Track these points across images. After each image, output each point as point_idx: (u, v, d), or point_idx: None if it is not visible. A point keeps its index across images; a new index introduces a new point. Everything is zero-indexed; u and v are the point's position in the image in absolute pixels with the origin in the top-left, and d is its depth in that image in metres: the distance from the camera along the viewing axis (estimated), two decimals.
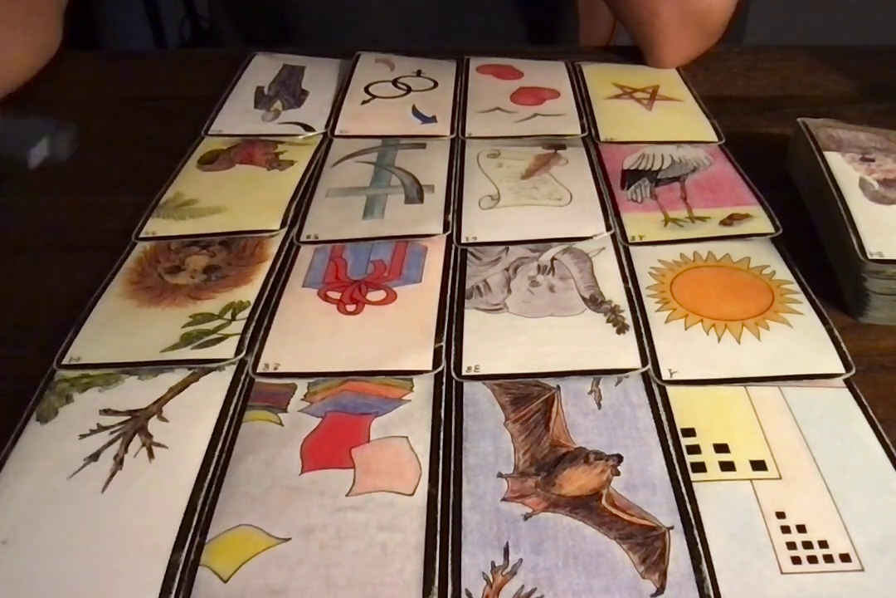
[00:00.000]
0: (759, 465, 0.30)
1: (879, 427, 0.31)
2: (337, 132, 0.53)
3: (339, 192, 0.47)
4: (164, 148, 0.52)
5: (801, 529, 0.28)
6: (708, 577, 0.26)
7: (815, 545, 0.27)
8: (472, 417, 0.32)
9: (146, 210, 0.46)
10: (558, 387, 0.34)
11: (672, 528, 0.28)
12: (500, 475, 0.30)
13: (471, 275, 0.40)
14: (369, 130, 0.53)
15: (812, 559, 0.27)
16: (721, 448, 0.31)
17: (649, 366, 0.34)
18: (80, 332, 0.37)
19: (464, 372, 0.34)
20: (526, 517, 0.29)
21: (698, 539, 0.28)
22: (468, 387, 0.34)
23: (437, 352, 0.35)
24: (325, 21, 0.74)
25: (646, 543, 0.27)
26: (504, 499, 0.29)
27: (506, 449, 0.31)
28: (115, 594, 0.27)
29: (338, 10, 0.73)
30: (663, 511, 0.28)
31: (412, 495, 0.29)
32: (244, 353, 0.36)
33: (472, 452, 0.31)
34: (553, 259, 0.41)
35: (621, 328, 0.36)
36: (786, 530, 0.28)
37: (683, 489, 0.29)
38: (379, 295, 0.39)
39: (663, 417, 0.32)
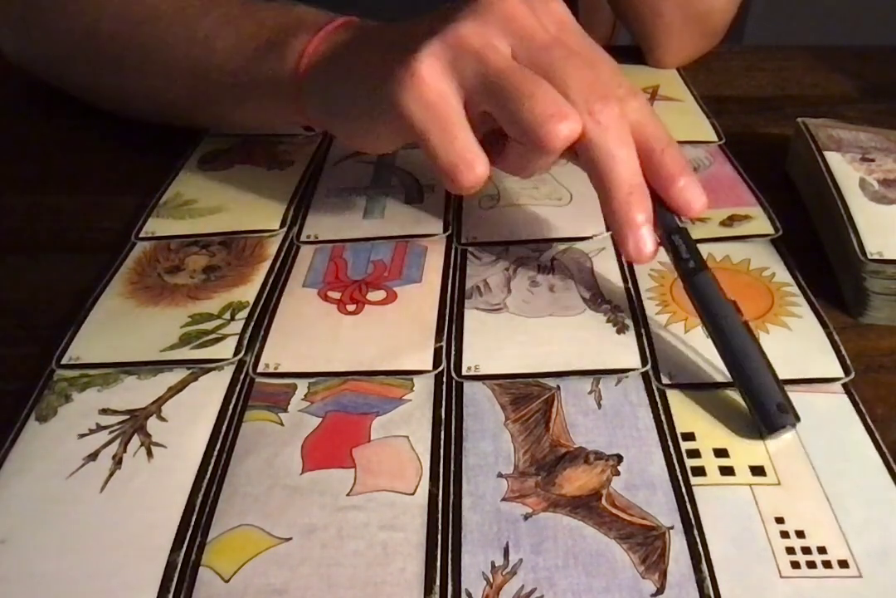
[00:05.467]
0: (758, 470, 0.30)
1: (877, 435, 0.31)
2: None
3: (339, 192, 0.47)
4: (164, 148, 0.52)
5: (800, 534, 0.28)
6: (708, 577, 0.26)
7: (814, 551, 0.27)
8: (472, 417, 0.32)
9: (146, 210, 0.46)
10: (558, 387, 0.34)
11: (672, 528, 0.28)
12: (500, 475, 0.30)
13: (471, 275, 0.40)
14: None
15: (811, 565, 0.27)
16: (721, 453, 0.31)
17: (649, 366, 0.34)
18: (80, 332, 0.37)
19: (464, 372, 0.34)
20: (526, 517, 0.29)
21: (698, 539, 0.28)
22: (468, 387, 0.34)
23: (437, 352, 0.35)
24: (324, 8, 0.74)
25: (646, 543, 0.27)
26: (504, 499, 0.29)
27: (506, 449, 0.31)
28: (113, 593, 0.27)
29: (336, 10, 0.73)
30: (663, 511, 0.28)
31: (413, 494, 0.29)
32: (243, 353, 0.36)
33: (472, 452, 0.31)
34: (553, 259, 0.41)
35: (621, 328, 0.36)
36: (785, 535, 0.28)
37: (683, 490, 0.29)
38: (379, 295, 0.39)
39: (663, 418, 0.32)
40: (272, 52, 0.42)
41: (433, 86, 0.33)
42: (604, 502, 0.29)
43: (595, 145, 0.33)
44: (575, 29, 0.36)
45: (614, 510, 0.29)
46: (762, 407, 0.30)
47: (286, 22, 0.43)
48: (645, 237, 0.34)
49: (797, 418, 0.30)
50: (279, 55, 0.41)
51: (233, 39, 0.44)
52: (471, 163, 0.33)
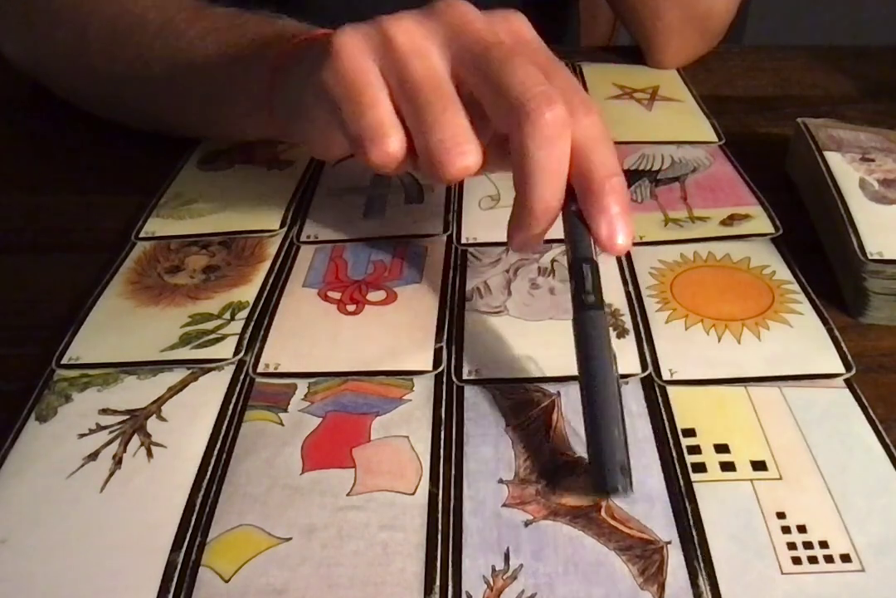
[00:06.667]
0: (759, 465, 0.30)
1: (879, 427, 0.31)
2: None
3: (339, 192, 0.47)
4: (164, 148, 0.52)
5: (802, 529, 0.28)
6: (705, 591, 0.26)
7: (816, 546, 0.27)
8: (472, 421, 0.32)
9: (146, 210, 0.46)
10: (559, 393, 0.33)
11: (670, 542, 0.28)
12: (500, 481, 0.30)
13: (471, 276, 0.40)
14: None
15: (812, 560, 0.27)
16: (721, 448, 0.31)
17: (650, 370, 0.34)
18: (80, 332, 0.37)
19: (464, 376, 0.34)
20: (526, 524, 0.28)
21: (697, 553, 0.27)
22: (469, 391, 0.34)
23: (437, 352, 0.35)
24: (321, 21, 0.74)
25: (644, 555, 0.27)
26: (505, 505, 0.29)
27: (506, 455, 0.31)
28: (113, 593, 0.27)
29: (336, 11, 0.73)
30: (661, 524, 0.28)
31: (413, 494, 0.29)
32: (243, 353, 0.36)
33: (473, 457, 0.31)
34: (553, 261, 0.41)
35: (621, 332, 0.36)
36: (786, 530, 0.28)
37: (683, 500, 0.29)
38: (379, 295, 0.39)
39: (664, 418, 0.32)
40: (251, 63, 0.42)
41: (351, 59, 0.31)
42: (603, 513, 0.29)
43: (522, 150, 0.30)
44: (532, 39, 0.33)
45: (613, 522, 0.28)
46: (602, 465, 0.28)
47: (268, 33, 0.43)
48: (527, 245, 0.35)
49: (631, 487, 0.28)
50: (256, 66, 0.41)
51: (214, 49, 0.44)
52: (379, 137, 0.31)
